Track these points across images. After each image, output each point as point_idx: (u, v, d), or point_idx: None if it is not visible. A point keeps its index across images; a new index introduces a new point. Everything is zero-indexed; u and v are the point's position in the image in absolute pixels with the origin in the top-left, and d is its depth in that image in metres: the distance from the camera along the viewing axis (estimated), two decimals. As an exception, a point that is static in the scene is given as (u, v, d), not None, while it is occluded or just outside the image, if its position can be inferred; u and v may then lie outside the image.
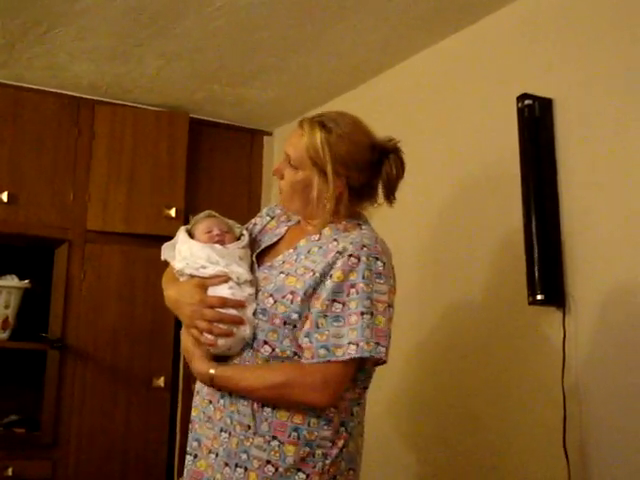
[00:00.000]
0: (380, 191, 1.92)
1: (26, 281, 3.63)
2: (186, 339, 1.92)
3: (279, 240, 2.01)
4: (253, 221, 2.14)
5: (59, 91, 3.69)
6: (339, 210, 1.88)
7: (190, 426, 1.96)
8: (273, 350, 1.81)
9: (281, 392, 1.78)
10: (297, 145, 1.88)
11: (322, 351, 1.76)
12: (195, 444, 1.92)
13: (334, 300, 1.77)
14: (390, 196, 1.92)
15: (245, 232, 2.03)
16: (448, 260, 2.94)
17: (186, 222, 3.73)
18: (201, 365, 1.85)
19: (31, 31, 3.11)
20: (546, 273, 2.46)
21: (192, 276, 1.91)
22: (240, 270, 1.88)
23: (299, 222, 2.02)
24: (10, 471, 3.35)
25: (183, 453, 3.62)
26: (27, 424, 3.65)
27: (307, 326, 1.78)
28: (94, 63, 3.42)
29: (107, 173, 3.72)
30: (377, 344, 1.75)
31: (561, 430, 2.35)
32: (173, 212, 3.73)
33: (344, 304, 1.77)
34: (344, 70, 3.40)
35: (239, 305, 1.83)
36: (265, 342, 1.82)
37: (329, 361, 1.75)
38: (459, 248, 2.89)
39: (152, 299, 3.66)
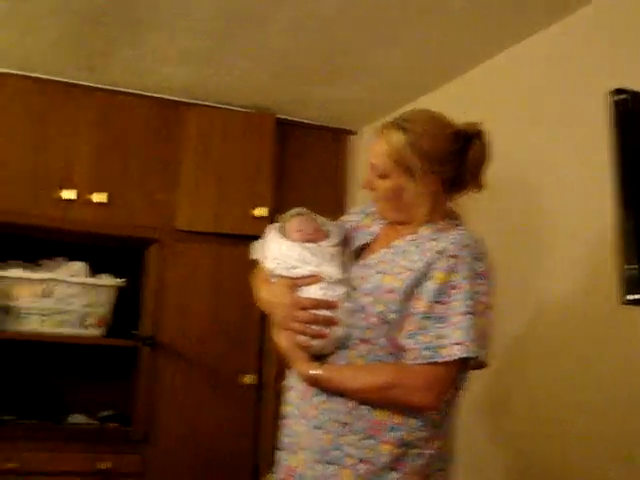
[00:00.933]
0: (468, 178, 1.90)
1: (120, 280, 3.73)
2: (281, 340, 1.92)
3: (373, 238, 2.01)
4: (347, 218, 2.13)
5: (149, 94, 3.78)
6: (436, 207, 1.87)
7: (284, 421, 1.97)
8: (370, 348, 1.81)
9: (385, 394, 1.77)
10: (380, 154, 1.88)
11: (427, 352, 1.75)
12: (289, 440, 1.92)
13: (437, 302, 1.76)
14: (478, 182, 1.90)
15: (336, 229, 2.01)
16: (536, 257, 2.89)
17: (273, 222, 3.77)
18: (303, 366, 1.85)
19: (122, 36, 3.19)
20: None
21: (283, 277, 1.90)
22: (332, 269, 1.88)
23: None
24: (104, 465, 3.44)
25: (270, 450, 3.68)
26: (120, 419, 3.75)
27: (410, 327, 1.78)
28: (183, 66, 3.48)
29: (196, 174, 3.78)
30: (479, 346, 1.74)
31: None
32: (261, 212, 3.77)
33: (447, 305, 1.75)
34: (430, 68, 3.37)
35: (331, 306, 1.83)
36: (361, 340, 1.82)
37: (434, 362, 1.74)
38: (547, 245, 2.84)
39: (240, 298, 3.70)
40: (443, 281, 1.76)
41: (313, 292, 1.85)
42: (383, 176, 1.88)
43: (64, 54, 3.40)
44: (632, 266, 2.38)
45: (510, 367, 2.93)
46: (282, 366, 1.99)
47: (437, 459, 1.83)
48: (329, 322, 1.83)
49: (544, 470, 2.73)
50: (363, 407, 1.80)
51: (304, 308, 1.84)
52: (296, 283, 1.87)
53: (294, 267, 1.89)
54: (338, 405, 1.82)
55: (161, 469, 3.57)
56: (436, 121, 1.90)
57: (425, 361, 1.75)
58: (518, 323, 2.89)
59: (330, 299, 1.84)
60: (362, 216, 2.10)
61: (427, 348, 1.75)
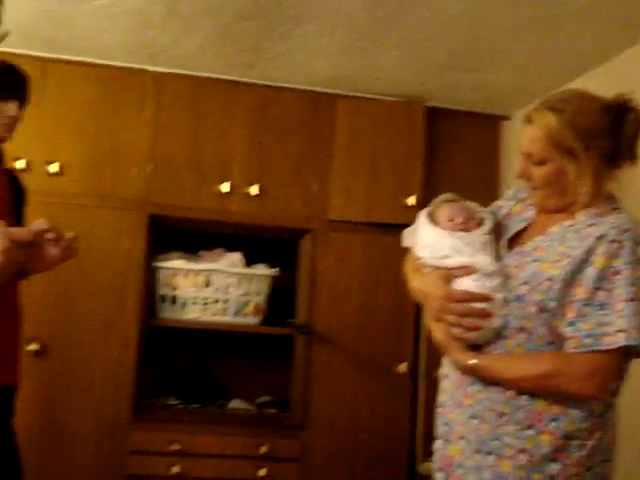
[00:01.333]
0: (624, 151, 1.84)
1: (275, 269, 3.83)
2: (435, 330, 1.91)
3: (527, 225, 1.96)
4: (499, 203, 2.09)
5: (302, 87, 3.84)
6: (598, 187, 1.82)
7: (439, 410, 1.96)
8: (528, 338, 1.78)
9: (546, 382, 1.74)
10: (535, 139, 1.83)
11: (588, 340, 1.71)
12: (445, 428, 1.91)
13: (598, 288, 1.72)
14: (633, 154, 1.84)
15: (488, 216, 1.97)
16: None
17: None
18: (460, 356, 1.84)
19: (276, 31, 3.26)
20: None
21: (435, 267, 1.89)
22: (485, 259, 1.85)
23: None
24: (263, 449, 3.55)
25: (426, 439, 3.68)
26: (278, 405, 3.85)
27: (570, 315, 1.74)
28: (334, 58, 3.52)
29: (348, 164, 3.82)
30: None
31: None
32: (412, 200, 3.76)
33: (609, 291, 1.71)
34: (584, 49, 3.25)
35: (486, 299, 1.81)
36: (519, 330, 1.79)
37: (596, 350, 1.70)
38: None
39: (393, 286, 3.72)
40: (604, 267, 1.72)
41: (467, 284, 1.83)
42: (541, 162, 1.84)
43: (219, 52, 3.51)
44: None
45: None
46: (436, 354, 1.99)
47: (600, 450, 1.78)
48: (484, 314, 1.81)
49: None
50: (522, 397, 1.77)
51: (458, 301, 1.83)
52: (449, 275, 1.85)
53: (446, 256, 1.87)
54: (495, 394, 1.80)
55: (317, 455, 3.64)
56: (586, 97, 1.86)
57: (587, 349, 1.71)
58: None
59: (484, 291, 1.81)
60: (514, 202, 2.05)
61: (589, 336, 1.71)
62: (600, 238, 1.74)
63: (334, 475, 3.64)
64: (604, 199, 1.86)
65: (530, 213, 1.98)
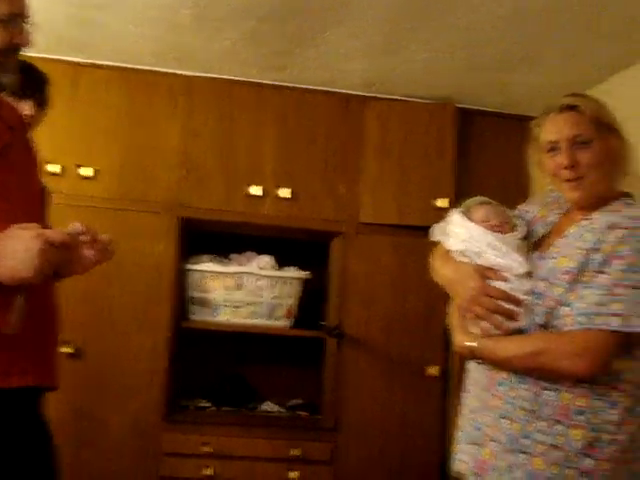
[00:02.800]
0: None
1: (306, 272, 3.83)
2: (452, 313, 1.97)
3: (550, 229, 1.99)
4: (525, 208, 2.12)
5: (332, 90, 3.85)
6: (619, 170, 1.90)
7: (467, 414, 1.97)
8: (539, 332, 1.80)
9: (539, 359, 1.76)
10: (577, 122, 1.88)
11: (581, 318, 1.73)
12: (477, 433, 1.92)
13: (599, 271, 1.74)
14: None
15: (521, 223, 2.00)
16: None
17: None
18: (462, 338, 1.90)
19: (306, 34, 3.26)
20: None
21: (472, 261, 1.91)
22: (518, 261, 1.87)
23: (568, 209, 1.98)
24: (295, 452, 3.55)
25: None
26: (309, 408, 3.85)
27: (571, 297, 1.76)
28: (365, 60, 3.52)
29: (378, 166, 3.81)
30: None
31: None
32: (443, 203, 3.74)
33: (609, 274, 1.73)
34: (613, 52, 3.22)
35: (517, 303, 1.83)
36: (541, 325, 1.81)
37: (589, 329, 1.71)
38: None
39: (424, 289, 3.70)
40: (609, 252, 1.75)
41: (499, 283, 1.85)
42: (588, 142, 1.87)
43: (249, 55, 3.53)
44: None
45: None
46: (464, 358, 2.00)
47: (635, 447, 1.78)
48: (510, 315, 1.83)
49: None
50: (549, 392, 1.78)
51: (491, 296, 1.84)
52: (485, 272, 1.87)
53: (482, 252, 1.89)
54: (523, 392, 1.81)
55: (349, 458, 3.64)
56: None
57: (579, 327, 1.73)
58: None
59: (516, 294, 1.83)
60: (539, 207, 2.08)
61: (582, 314, 1.73)
62: (611, 227, 1.78)
63: (367, 478, 3.63)
64: (620, 197, 1.90)
65: (553, 217, 2.01)
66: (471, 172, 3.95)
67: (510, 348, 1.81)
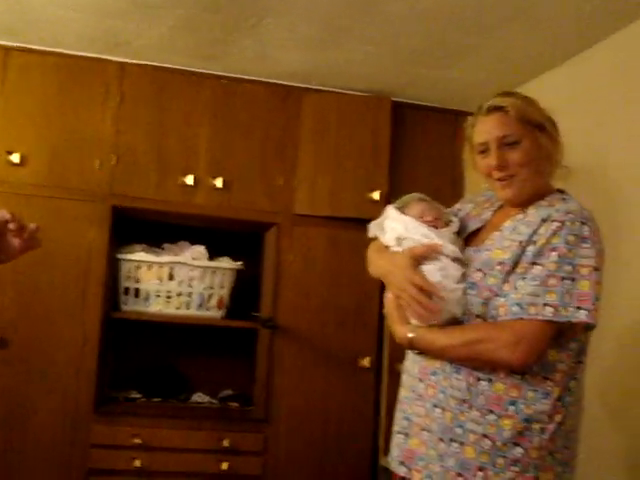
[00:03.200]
0: None
1: (239, 263, 3.82)
2: (389, 303, 1.98)
3: (484, 225, 2.02)
4: (457, 207, 2.17)
5: (268, 80, 3.83)
6: (551, 167, 1.94)
7: (398, 406, 2.00)
8: (483, 321, 1.84)
9: (474, 349, 1.79)
10: (504, 122, 1.91)
11: (515, 308, 1.77)
12: (405, 423, 1.95)
13: (534, 263, 1.78)
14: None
15: (455, 218, 2.05)
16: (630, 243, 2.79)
17: (391, 203, 3.76)
18: (400, 329, 1.92)
19: (242, 24, 3.24)
20: None
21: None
22: (454, 249, 1.91)
23: (502, 206, 2.02)
24: (226, 443, 3.54)
25: (388, 431, 3.70)
26: (241, 399, 3.84)
27: (506, 288, 1.80)
28: (301, 52, 3.51)
29: (313, 158, 3.82)
30: (578, 308, 1.74)
31: None
32: (377, 195, 3.76)
33: (543, 266, 1.77)
34: (548, 47, 3.27)
35: (437, 296, 1.84)
36: (477, 316, 1.85)
37: (522, 318, 1.75)
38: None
39: (357, 281, 3.74)
40: (543, 244, 1.79)
41: (431, 271, 1.87)
42: (516, 142, 1.90)
43: (183, 43, 3.48)
44: None
45: (632, 351, 2.84)
46: (399, 349, 2.02)
47: (561, 435, 1.82)
48: (429, 309, 1.85)
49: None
50: (482, 382, 1.81)
51: (415, 286, 1.86)
52: (416, 255, 1.88)
53: (419, 241, 1.92)
54: (456, 382, 1.84)
55: (280, 448, 3.64)
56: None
57: (513, 317, 1.76)
58: (636, 307, 2.81)
59: (448, 280, 1.86)
60: (472, 205, 2.13)
61: (516, 304, 1.77)
62: (544, 220, 1.82)
63: (297, 468, 3.64)
64: (554, 193, 1.94)
65: (487, 215, 2.05)
66: (405, 165, 3.99)
67: (447, 338, 1.84)
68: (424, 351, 1.89)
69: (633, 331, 2.79)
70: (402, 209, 2.02)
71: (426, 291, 1.84)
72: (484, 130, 1.93)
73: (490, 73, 3.61)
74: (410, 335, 1.88)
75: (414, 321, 1.89)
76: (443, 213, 2.04)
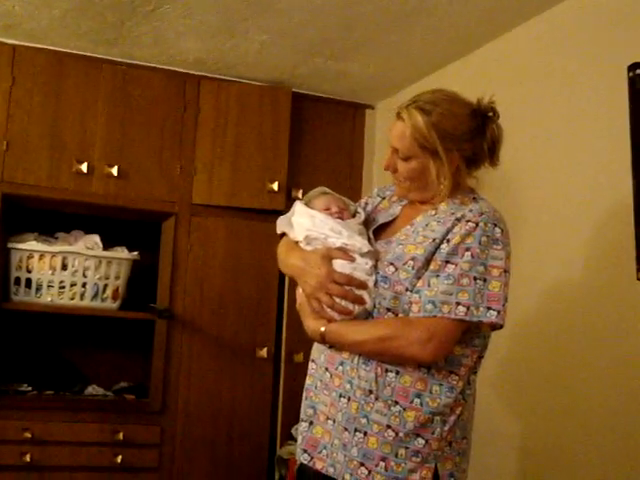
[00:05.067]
0: (486, 154, 1.95)
1: (135, 253, 3.75)
2: (301, 297, 1.96)
3: (394, 219, 2.04)
4: (364, 201, 2.19)
5: (166, 67, 3.78)
6: (458, 183, 1.93)
7: (304, 394, 2.00)
8: (396, 317, 1.85)
9: (387, 344, 1.81)
10: (402, 136, 1.91)
11: (429, 306, 1.79)
12: (310, 411, 1.96)
13: (447, 261, 1.80)
14: (495, 158, 1.95)
15: (360, 210, 2.07)
16: (551, 235, 2.88)
17: (288, 196, 3.78)
18: (313, 323, 1.91)
19: (139, 9, 3.18)
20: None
21: (317, 247, 1.94)
22: (362, 242, 1.92)
23: (412, 202, 2.04)
24: (121, 435, 3.48)
25: (286, 422, 3.72)
26: (137, 391, 3.78)
27: (419, 284, 1.82)
28: (200, 39, 3.47)
29: (212, 147, 3.79)
30: (488, 308, 1.78)
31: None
32: (276, 186, 3.77)
33: (457, 265, 1.79)
34: (446, 43, 3.35)
35: (362, 286, 1.86)
36: (388, 309, 1.86)
37: (435, 316, 1.77)
38: (563, 221, 2.83)
39: (256, 271, 3.74)
40: (457, 243, 1.81)
41: (342, 265, 1.88)
42: (407, 158, 1.92)
43: (80, 27, 3.40)
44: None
45: (529, 342, 2.94)
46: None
47: (459, 426, 1.86)
48: (357, 300, 1.86)
49: (559, 447, 2.74)
50: (390, 374, 1.83)
51: (337, 282, 1.86)
52: (331, 254, 1.89)
53: (327, 237, 1.93)
54: (364, 373, 1.85)
55: (177, 440, 3.61)
56: (455, 101, 1.93)
57: (426, 314, 1.78)
58: (536, 300, 2.89)
59: (360, 273, 1.87)
60: (379, 199, 2.15)
61: (430, 302, 1.79)
62: (458, 219, 1.84)
63: (194, 460, 3.61)
64: (465, 192, 1.96)
65: (397, 209, 2.06)
66: (304, 156, 4.01)
67: (359, 333, 1.84)
68: (335, 345, 1.89)
69: (523, 326, 2.89)
70: (308, 204, 2.04)
71: (348, 283, 1.85)
72: (390, 133, 1.96)
73: (389, 66, 3.66)
74: (322, 329, 1.87)
75: (340, 317, 1.87)
76: (348, 205, 2.06)
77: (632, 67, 2.50)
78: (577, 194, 2.79)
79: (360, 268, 1.87)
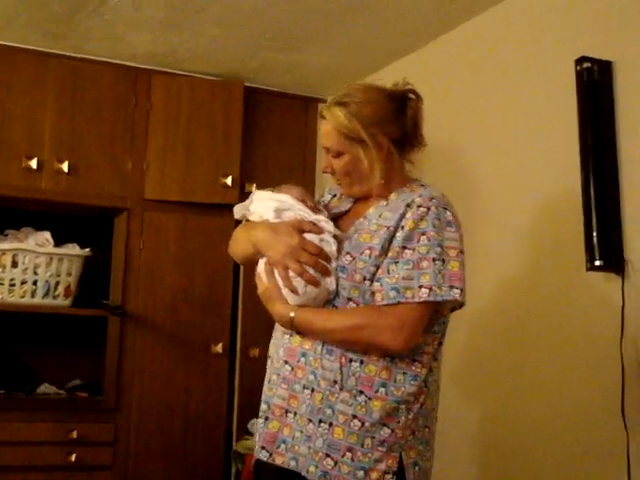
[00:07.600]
0: (411, 135, 1.98)
1: (87, 249, 3.71)
2: (267, 281, 1.92)
3: (347, 213, 2.05)
4: (316, 198, 2.18)
5: (116, 61, 3.74)
6: (392, 166, 1.95)
7: (264, 389, 1.98)
8: (357, 306, 1.85)
9: (358, 333, 1.81)
10: (328, 134, 1.95)
11: (392, 293, 1.80)
12: (264, 407, 1.95)
13: (404, 247, 1.82)
14: (420, 138, 1.99)
15: (322, 208, 2.06)
16: (503, 225, 2.92)
17: (242, 190, 3.77)
18: (282, 308, 1.89)
19: (89, 2, 3.14)
20: (604, 238, 2.42)
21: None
22: (331, 225, 1.93)
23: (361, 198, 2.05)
24: (75, 434, 3.45)
25: (242, 416, 3.71)
26: (90, 389, 3.74)
27: (379, 273, 1.83)
28: (150, 33, 3.44)
29: (164, 142, 3.76)
30: (451, 287, 1.80)
31: (619, 397, 2.34)
32: (229, 180, 3.76)
33: (414, 250, 1.81)
34: (399, 35, 3.36)
35: (329, 260, 1.87)
36: (349, 299, 1.86)
37: (399, 302, 1.78)
38: (514, 211, 2.87)
39: (210, 267, 3.72)
40: (411, 228, 1.83)
41: (312, 238, 1.88)
42: (338, 154, 1.94)
43: (28, 20, 3.34)
44: (597, 233, 2.42)
45: (484, 333, 2.97)
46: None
47: (422, 415, 1.87)
48: (326, 272, 1.86)
49: (518, 435, 2.77)
50: (354, 364, 1.83)
51: (308, 251, 1.86)
52: (303, 226, 1.90)
53: (296, 213, 1.94)
54: (329, 363, 1.85)
55: (132, 438, 3.58)
56: (369, 89, 1.97)
57: (391, 301, 1.79)
58: (490, 292, 2.92)
59: (330, 251, 1.88)
60: (330, 197, 2.16)
61: (393, 289, 1.80)
62: (409, 205, 1.86)
63: (150, 457, 3.59)
64: (412, 180, 1.99)
65: (347, 205, 2.07)
66: (258, 150, 4.00)
67: (330, 321, 1.85)
68: (304, 332, 1.88)
69: (483, 316, 2.92)
70: (277, 191, 2.02)
71: (318, 255, 1.85)
72: (319, 134, 1.99)
73: (340, 60, 3.66)
74: (292, 315, 1.86)
75: (308, 287, 1.85)
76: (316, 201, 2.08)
77: (579, 61, 2.54)
78: (527, 186, 2.83)
79: (328, 245, 1.88)
